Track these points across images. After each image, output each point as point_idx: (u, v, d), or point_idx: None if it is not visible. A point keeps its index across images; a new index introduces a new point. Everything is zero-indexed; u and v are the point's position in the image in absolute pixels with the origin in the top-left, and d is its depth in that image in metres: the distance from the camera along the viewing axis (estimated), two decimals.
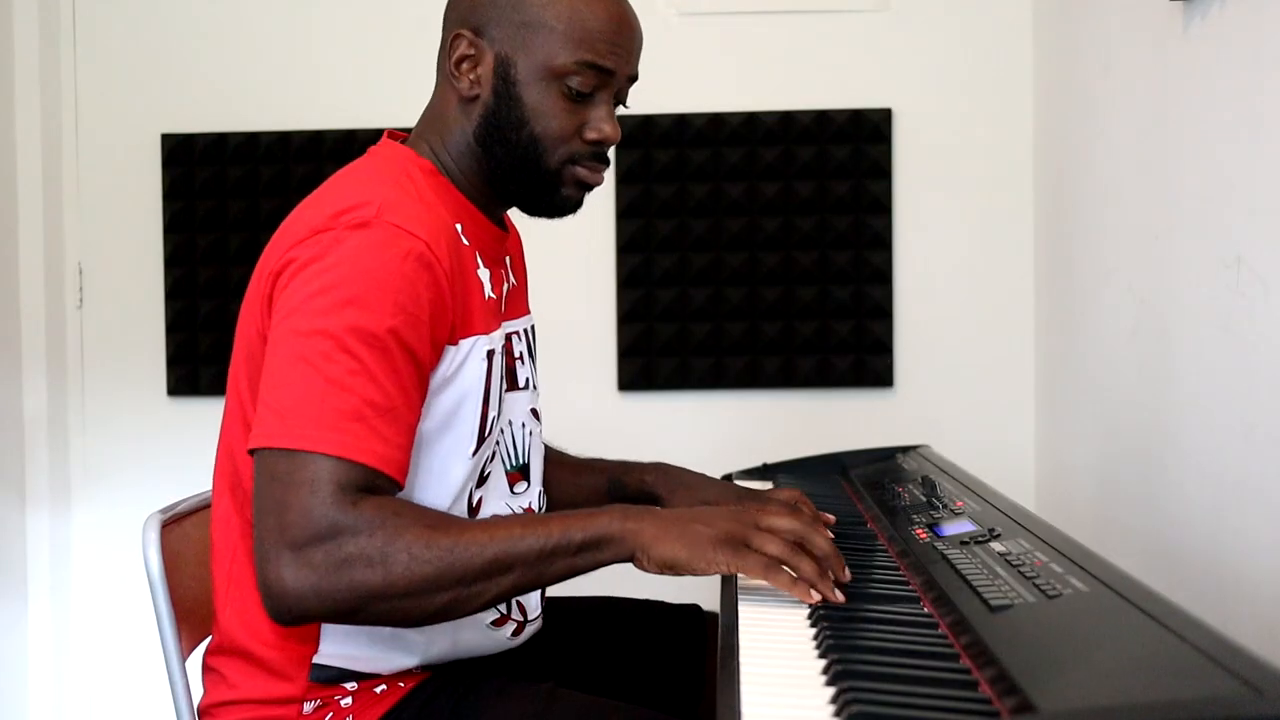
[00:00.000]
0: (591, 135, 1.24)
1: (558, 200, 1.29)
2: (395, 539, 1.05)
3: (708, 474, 1.56)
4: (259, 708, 1.23)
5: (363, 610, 1.07)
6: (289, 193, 2.60)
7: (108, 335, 2.66)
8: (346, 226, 1.12)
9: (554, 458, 1.54)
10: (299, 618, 1.08)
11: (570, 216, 1.33)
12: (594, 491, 1.51)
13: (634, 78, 1.28)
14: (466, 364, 1.20)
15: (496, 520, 1.15)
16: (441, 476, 1.21)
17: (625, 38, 1.24)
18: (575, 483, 1.52)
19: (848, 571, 1.15)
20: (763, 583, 1.14)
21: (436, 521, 1.10)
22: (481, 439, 1.22)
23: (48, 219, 2.59)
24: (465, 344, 1.20)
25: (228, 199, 2.62)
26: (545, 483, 1.46)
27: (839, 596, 1.10)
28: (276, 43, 2.64)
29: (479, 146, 1.26)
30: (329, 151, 2.60)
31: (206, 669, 1.30)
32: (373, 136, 2.56)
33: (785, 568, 1.10)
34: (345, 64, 2.63)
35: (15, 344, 2.56)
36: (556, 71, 1.21)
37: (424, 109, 1.33)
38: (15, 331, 2.56)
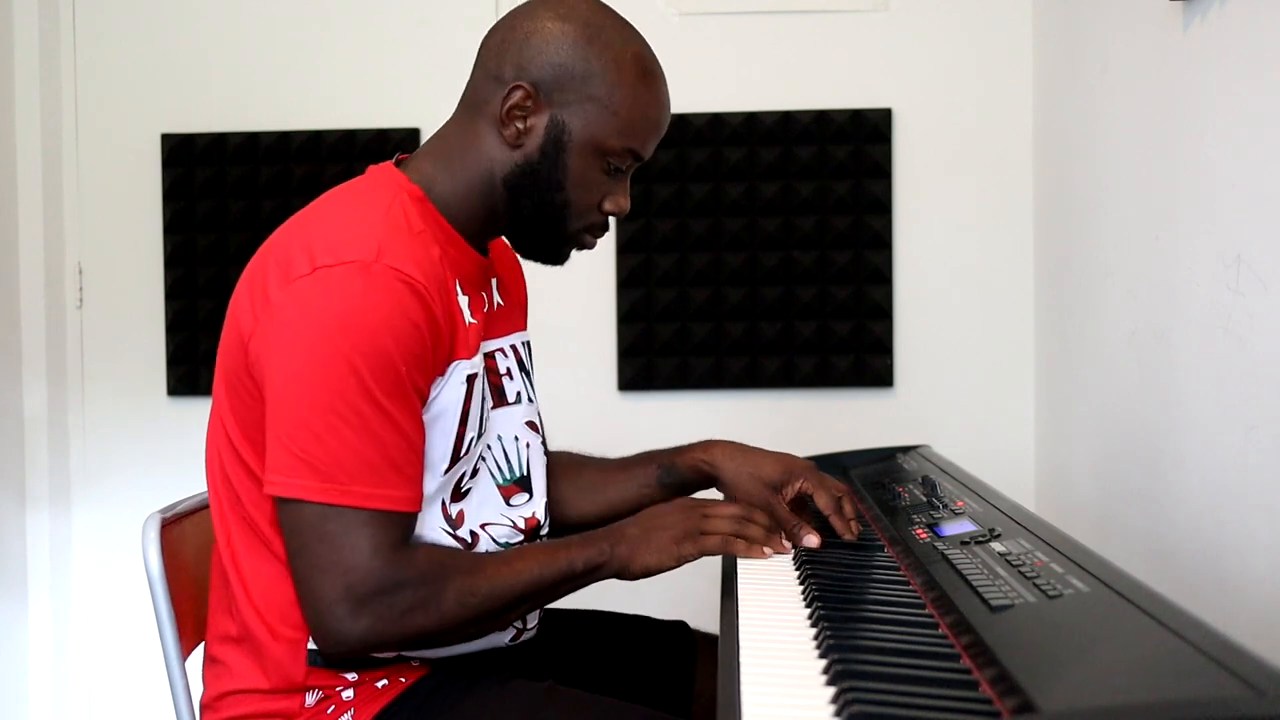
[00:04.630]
0: (609, 207, 1.32)
1: (557, 256, 1.37)
2: (444, 588, 1.18)
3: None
4: (262, 699, 1.25)
5: (412, 644, 1.22)
6: (289, 193, 2.60)
7: (108, 335, 2.66)
8: (351, 269, 1.16)
9: (595, 464, 1.57)
10: (356, 655, 1.22)
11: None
12: (644, 485, 1.53)
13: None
14: (447, 388, 1.24)
15: (516, 558, 1.25)
16: None
17: (663, 131, 1.34)
18: (624, 481, 1.54)
19: (809, 539, 1.35)
20: (762, 579, 1.15)
21: (472, 567, 1.22)
22: (456, 458, 1.26)
23: (48, 219, 2.59)
24: (449, 370, 1.24)
25: (228, 199, 2.62)
26: (590, 490, 1.53)
27: (786, 547, 1.34)
28: (276, 43, 2.64)
29: (505, 189, 1.29)
30: (329, 151, 2.60)
31: (209, 661, 1.31)
32: (373, 136, 2.59)
33: (739, 540, 1.31)
34: (345, 64, 2.63)
35: (15, 344, 2.56)
36: (604, 149, 1.27)
37: (437, 133, 1.34)
38: (15, 332, 2.56)
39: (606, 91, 1.25)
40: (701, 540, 1.29)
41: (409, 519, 1.20)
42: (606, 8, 1.30)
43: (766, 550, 1.31)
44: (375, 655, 1.25)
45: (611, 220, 1.38)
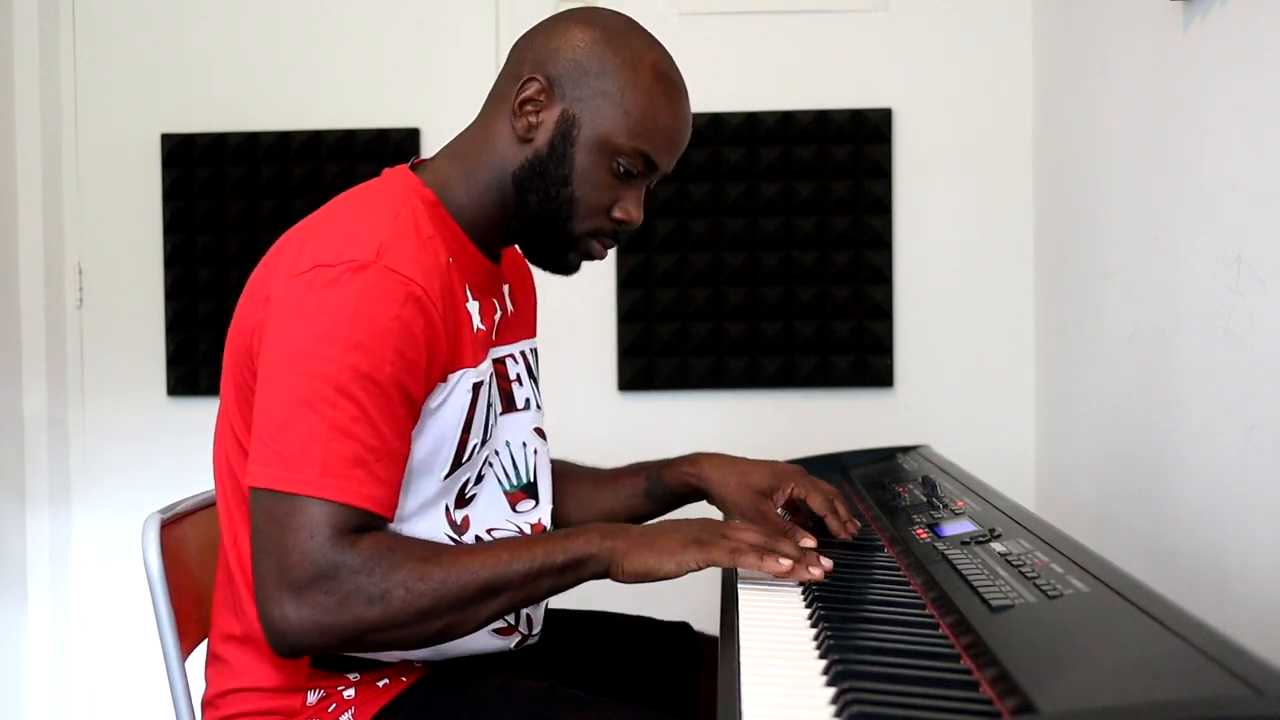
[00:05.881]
0: (619, 214, 1.29)
1: (563, 262, 1.33)
2: (391, 574, 1.11)
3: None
4: (264, 697, 1.25)
5: (362, 641, 1.13)
6: (289, 193, 2.60)
7: (108, 335, 2.66)
8: (348, 269, 1.15)
9: (586, 474, 1.57)
10: (301, 652, 1.14)
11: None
12: (631, 495, 1.53)
13: (667, 176, 1.33)
14: (452, 396, 1.23)
15: (485, 546, 1.19)
16: (409, 491, 1.23)
17: (680, 142, 1.30)
18: (613, 491, 1.54)
19: (820, 568, 1.19)
20: (762, 580, 1.15)
21: (428, 553, 1.15)
22: (457, 464, 1.25)
23: (48, 219, 2.59)
24: (453, 378, 1.23)
25: (228, 199, 2.62)
26: (579, 499, 1.52)
27: (817, 574, 1.17)
28: (276, 43, 2.64)
29: (513, 186, 1.28)
30: (329, 151, 2.60)
31: (212, 659, 1.32)
32: (373, 136, 2.60)
33: (752, 552, 1.17)
34: (345, 64, 2.63)
35: (15, 344, 2.56)
36: (613, 148, 1.25)
37: (460, 133, 1.35)
38: (15, 331, 2.56)
39: (619, 89, 1.24)
40: (708, 549, 1.16)
41: (372, 518, 1.13)
42: (637, 25, 1.30)
43: (784, 562, 1.16)
44: (361, 656, 1.23)
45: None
